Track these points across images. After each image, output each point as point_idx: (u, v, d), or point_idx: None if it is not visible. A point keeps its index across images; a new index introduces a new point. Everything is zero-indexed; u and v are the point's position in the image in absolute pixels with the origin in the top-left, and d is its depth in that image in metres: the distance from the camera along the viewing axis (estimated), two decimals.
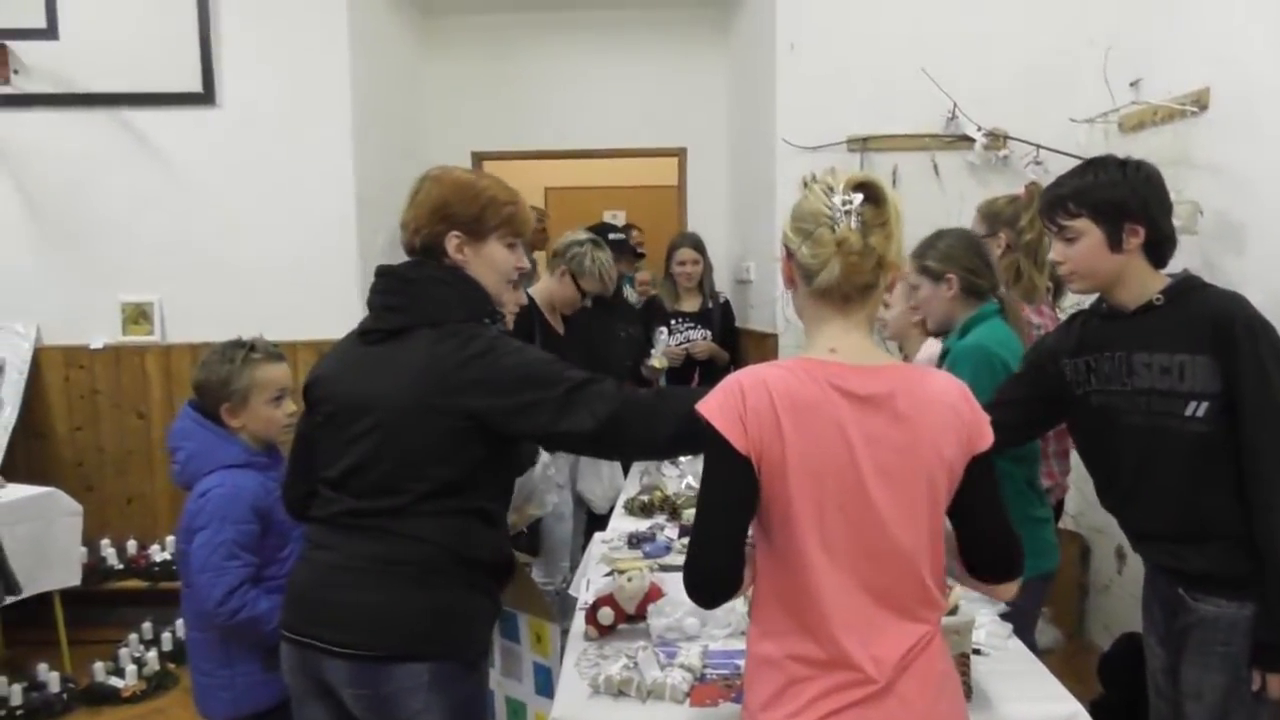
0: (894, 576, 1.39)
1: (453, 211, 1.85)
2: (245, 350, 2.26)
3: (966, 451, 1.41)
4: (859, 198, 1.38)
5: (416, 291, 1.83)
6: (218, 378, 2.23)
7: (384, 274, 1.89)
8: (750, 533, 1.46)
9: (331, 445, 1.83)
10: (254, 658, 2.18)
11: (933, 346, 2.95)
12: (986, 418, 1.45)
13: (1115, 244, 1.94)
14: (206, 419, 2.26)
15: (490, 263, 1.89)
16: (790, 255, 1.45)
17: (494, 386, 1.74)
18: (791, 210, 1.46)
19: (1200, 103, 3.13)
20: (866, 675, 1.35)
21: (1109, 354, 2.02)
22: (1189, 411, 1.90)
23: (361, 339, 1.88)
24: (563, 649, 2.10)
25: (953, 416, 1.41)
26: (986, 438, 1.43)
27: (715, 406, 1.38)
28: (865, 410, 1.37)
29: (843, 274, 1.38)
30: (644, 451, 2.25)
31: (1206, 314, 1.89)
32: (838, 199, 1.38)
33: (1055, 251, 2.05)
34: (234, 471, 2.21)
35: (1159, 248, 1.97)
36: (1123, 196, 1.94)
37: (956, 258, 2.44)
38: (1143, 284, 1.97)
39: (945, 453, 1.39)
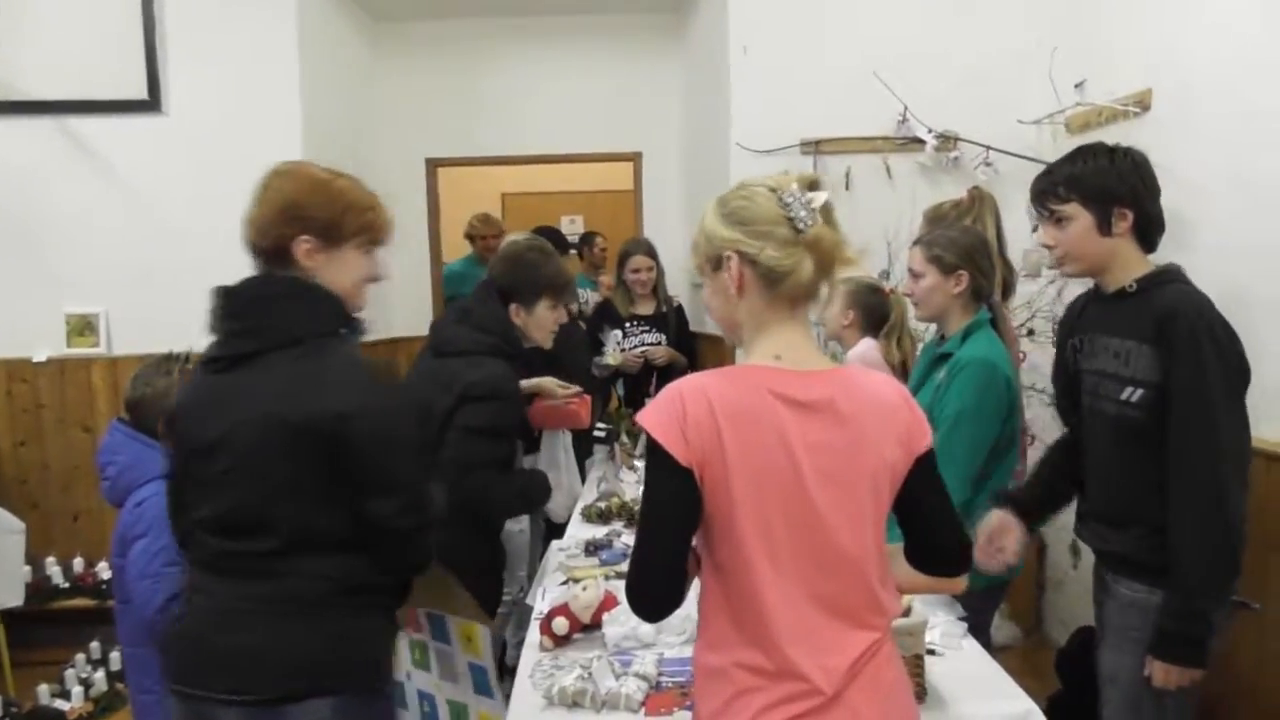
0: (842, 583, 1.38)
1: (306, 213, 1.71)
2: (181, 361, 2.27)
3: (909, 452, 1.42)
4: (822, 196, 1.39)
5: (264, 310, 1.69)
6: (156, 391, 2.22)
7: (224, 294, 1.73)
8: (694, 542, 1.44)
9: (196, 486, 1.72)
10: None
11: (865, 345, 2.99)
12: (924, 417, 1.46)
13: (1105, 228, 1.98)
14: (138, 433, 2.24)
15: (344, 270, 1.76)
16: (748, 261, 1.40)
17: (362, 432, 1.63)
18: (730, 216, 1.43)
19: (1143, 103, 3.18)
20: (814, 686, 1.34)
21: (1088, 335, 2.09)
22: (1124, 396, 1.95)
23: (206, 368, 1.74)
24: (503, 651, 2.07)
25: (892, 418, 1.41)
26: (926, 437, 1.44)
27: (655, 418, 1.35)
28: (806, 416, 1.36)
29: (816, 272, 1.38)
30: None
31: (1161, 306, 1.92)
32: (795, 199, 1.38)
33: (1046, 235, 2.09)
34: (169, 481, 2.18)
35: (1147, 231, 2.01)
36: (1111, 182, 1.98)
37: (973, 255, 2.44)
38: (1127, 269, 2.00)
39: (886, 455, 1.39)
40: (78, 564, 4.23)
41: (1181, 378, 1.87)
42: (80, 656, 3.86)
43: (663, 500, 1.38)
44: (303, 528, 1.65)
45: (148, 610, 2.08)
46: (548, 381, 3.37)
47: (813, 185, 1.41)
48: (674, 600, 1.40)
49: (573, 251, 5.75)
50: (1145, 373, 1.91)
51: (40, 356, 4.29)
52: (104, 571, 4.18)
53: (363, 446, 1.63)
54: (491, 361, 2.55)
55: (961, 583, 1.53)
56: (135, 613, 2.13)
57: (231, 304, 1.72)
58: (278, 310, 1.69)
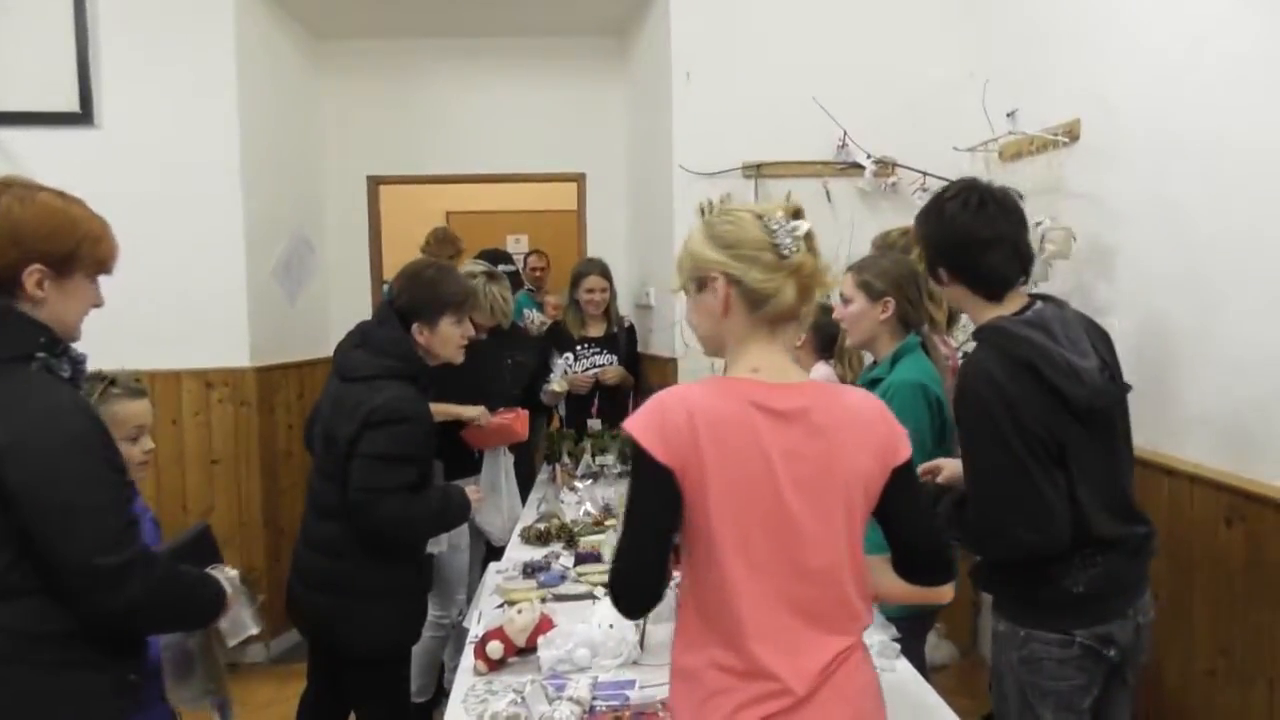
0: (816, 588, 1.43)
1: (41, 243, 1.61)
2: (105, 384, 2.11)
3: (884, 464, 1.47)
4: (805, 225, 1.46)
5: None
6: None
7: None
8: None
9: None
10: None
11: (825, 372, 3.00)
12: (904, 432, 1.51)
13: None
14: None
15: (73, 300, 1.69)
16: (734, 282, 1.46)
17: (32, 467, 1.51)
18: (718, 239, 1.48)
19: (1071, 134, 3.26)
20: (785, 685, 1.38)
21: None
22: None
23: None
24: (441, 674, 2.02)
25: (867, 430, 1.47)
26: (903, 451, 1.49)
27: (637, 422, 1.42)
28: (783, 425, 1.41)
29: (798, 296, 1.45)
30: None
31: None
32: (781, 226, 1.45)
33: None
34: None
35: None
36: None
37: (901, 284, 2.49)
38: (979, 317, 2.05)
39: (860, 465, 1.44)
40: None
41: None
42: None
43: (644, 499, 1.43)
44: None
45: None
46: (462, 411, 3.36)
47: (797, 214, 1.48)
48: (654, 595, 1.46)
49: (526, 288, 5.74)
50: None
51: None
52: None
53: (22, 485, 1.51)
54: (394, 385, 2.50)
55: (948, 593, 1.62)
56: None
57: None
58: None
